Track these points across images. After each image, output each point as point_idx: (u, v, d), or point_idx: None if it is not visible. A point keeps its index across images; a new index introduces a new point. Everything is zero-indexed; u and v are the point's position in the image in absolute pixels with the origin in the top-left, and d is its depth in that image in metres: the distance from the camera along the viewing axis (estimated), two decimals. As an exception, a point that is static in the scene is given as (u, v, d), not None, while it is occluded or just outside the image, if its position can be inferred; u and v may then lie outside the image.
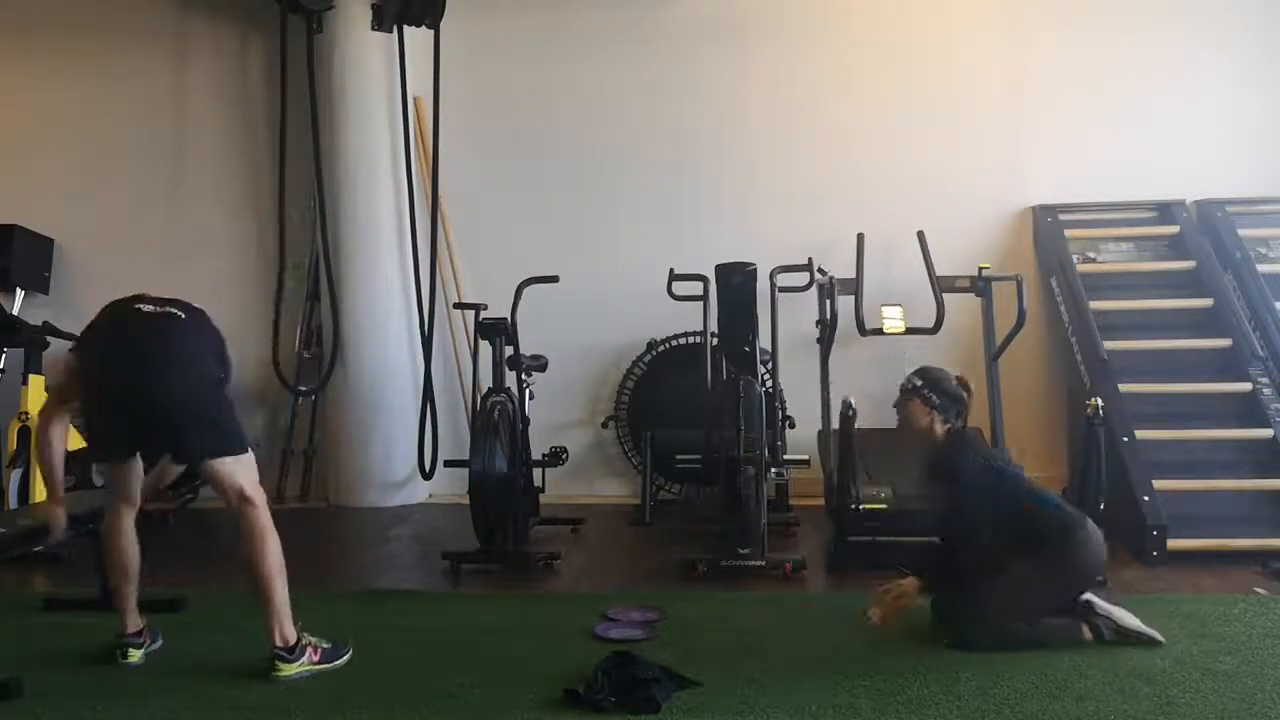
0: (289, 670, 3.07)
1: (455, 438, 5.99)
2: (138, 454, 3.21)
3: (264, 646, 3.10)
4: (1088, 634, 3.26)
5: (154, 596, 3.52)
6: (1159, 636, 3.23)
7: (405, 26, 5.92)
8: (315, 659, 3.12)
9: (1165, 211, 5.66)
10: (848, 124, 5.94)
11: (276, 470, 5.99)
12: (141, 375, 3.06)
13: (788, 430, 5.10)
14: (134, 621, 3.29)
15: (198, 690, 3.01)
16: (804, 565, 4.15)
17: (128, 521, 3.27)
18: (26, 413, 4.65)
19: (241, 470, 3.14)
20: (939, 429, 3.49)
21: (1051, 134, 5.84)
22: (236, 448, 3.15)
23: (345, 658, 3.19)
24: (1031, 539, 3.28)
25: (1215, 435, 4.73)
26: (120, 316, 3.22)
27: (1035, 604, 3.25)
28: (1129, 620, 3.26)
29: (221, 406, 3.19)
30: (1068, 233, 5.60)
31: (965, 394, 3.52)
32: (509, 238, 6.06)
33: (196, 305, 3.36)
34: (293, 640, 3.10)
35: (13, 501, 4.55)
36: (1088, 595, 3.31)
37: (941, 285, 5.01)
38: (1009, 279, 5.04)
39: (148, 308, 3.23)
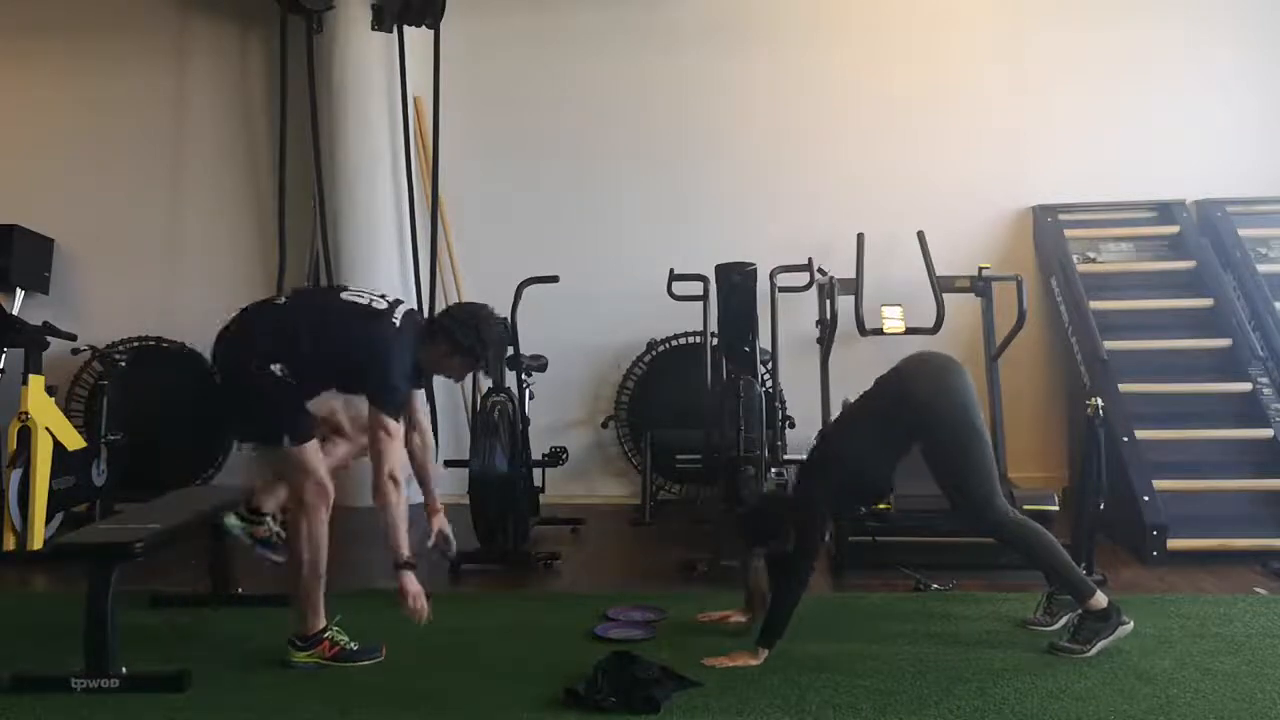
0: (297, 657, 3.15)
1: (455, 438, 5.99)
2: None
3: (272, 648, 3.19)
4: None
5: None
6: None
7: (405, 26, 5.93)
8: (328, 654, 3.16)
9: (1165, 211, 5.65)
10: (847, 124, 5.95)
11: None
12: None
13: (788, 430, 5.10)
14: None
15: (198, 689, 3.01)
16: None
17: None
18: (26, 413, 4.64)
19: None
20: (790, 532, 3.22)
21: (1051, 134, 5.84)
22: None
23: (369, 661, 3.20)
24: (898, 409, 3.25)
25: (1215, 435, 4.72)
26: None
27: (980, 419, 3.22)
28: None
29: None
30: (1068, 233, 5.60)
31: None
32: (509, 238, 6.06)
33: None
34: (311, 632, 3.16)
35: (13, 502, 4.54)
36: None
37: (941, 285, 5.00)
38: (1009, 279, 5.04)
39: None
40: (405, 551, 3.07)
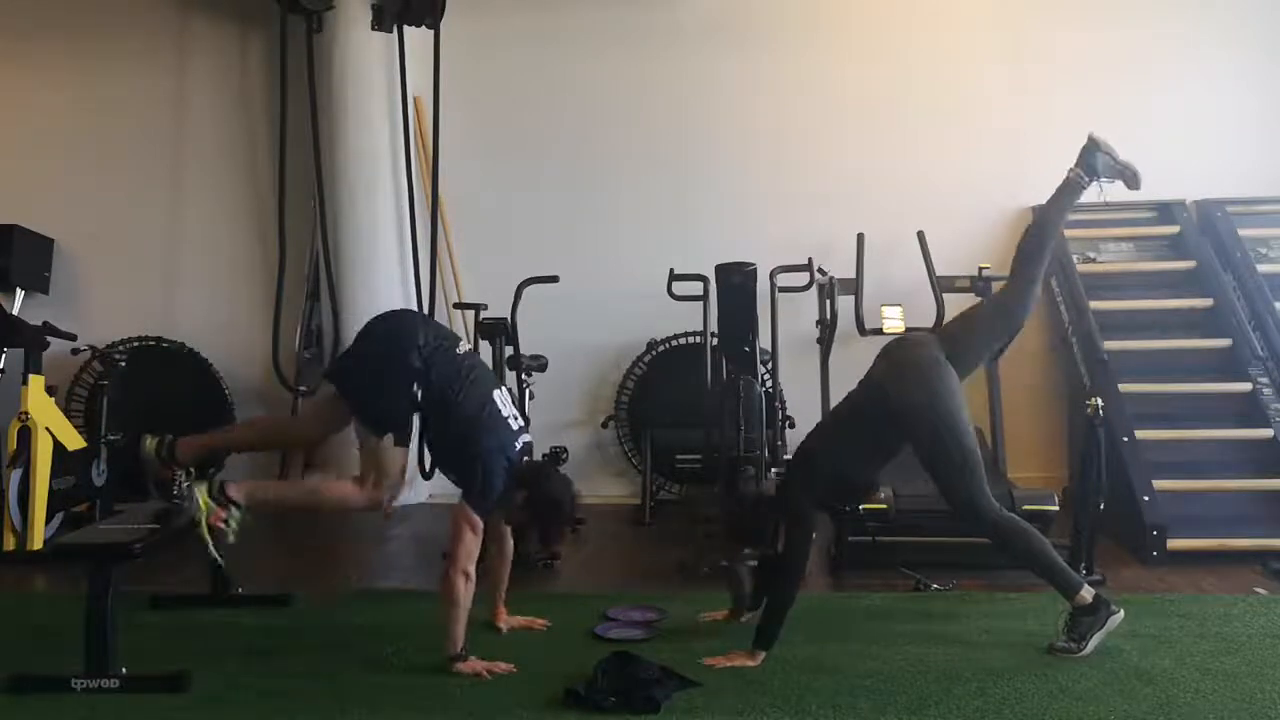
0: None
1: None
2: None
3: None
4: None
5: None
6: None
7: (405, 26, 5.93)
8: (222, 519, 3.18)
9: (1165, 211, 5.66)
10: (847, 124, 5.95)
11: (276, 470, 5.98)
12: None
13: (788, 430, 5.10)
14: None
15: (198, 689, 3.01)
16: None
17: None
18: (27, 413, 4.64)
19: None
20: (777, 534, 3.32)
21: (1051, 134, 5.80)
22: None
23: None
24: (880, 411, 3.29)
25: (1215, 435, 4.72)
26: None
27: (959, 419, 3.21)
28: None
29: None
30: (1068, 233, 5.57)
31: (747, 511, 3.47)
32: (509, 238, 6.06)
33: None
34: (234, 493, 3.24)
35: (13, 502, 4.54)
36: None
37: (941, 285, 5.01)
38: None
39: None
40: (459, 646, 3.12)
